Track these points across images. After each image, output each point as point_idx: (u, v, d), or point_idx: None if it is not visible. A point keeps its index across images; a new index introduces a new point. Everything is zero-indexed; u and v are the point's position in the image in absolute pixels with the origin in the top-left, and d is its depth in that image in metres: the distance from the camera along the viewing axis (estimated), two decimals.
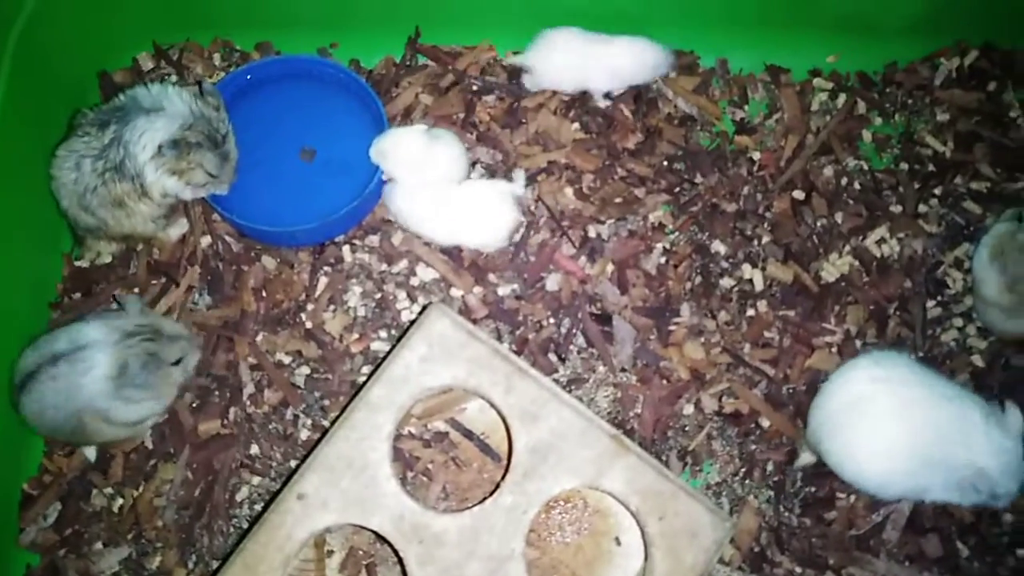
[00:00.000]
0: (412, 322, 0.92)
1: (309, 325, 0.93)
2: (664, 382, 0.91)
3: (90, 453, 0.89)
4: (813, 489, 0.88)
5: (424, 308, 0.91)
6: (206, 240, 0.97)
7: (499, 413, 0.75)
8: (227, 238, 0.97)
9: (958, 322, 0.93)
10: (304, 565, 0.80)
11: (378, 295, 0.94)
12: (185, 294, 0.95)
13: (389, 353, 0.90)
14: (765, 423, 0.89)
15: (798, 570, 0.85)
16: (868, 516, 0.86)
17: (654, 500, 0.72)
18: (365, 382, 0.89)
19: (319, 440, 0.77)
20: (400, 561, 0.71)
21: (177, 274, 0.95)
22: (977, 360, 0.91)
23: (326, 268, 0.95)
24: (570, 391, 0.90)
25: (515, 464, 0.73)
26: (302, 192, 0.96)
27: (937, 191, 0.98)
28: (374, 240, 0.96)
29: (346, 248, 0.96)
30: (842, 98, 1.02)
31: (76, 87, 1.01)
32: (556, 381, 0.90)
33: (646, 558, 0.72)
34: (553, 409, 0.74)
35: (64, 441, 0.88)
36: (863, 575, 0.85)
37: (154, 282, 0.95)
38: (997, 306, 0.87)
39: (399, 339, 0.90)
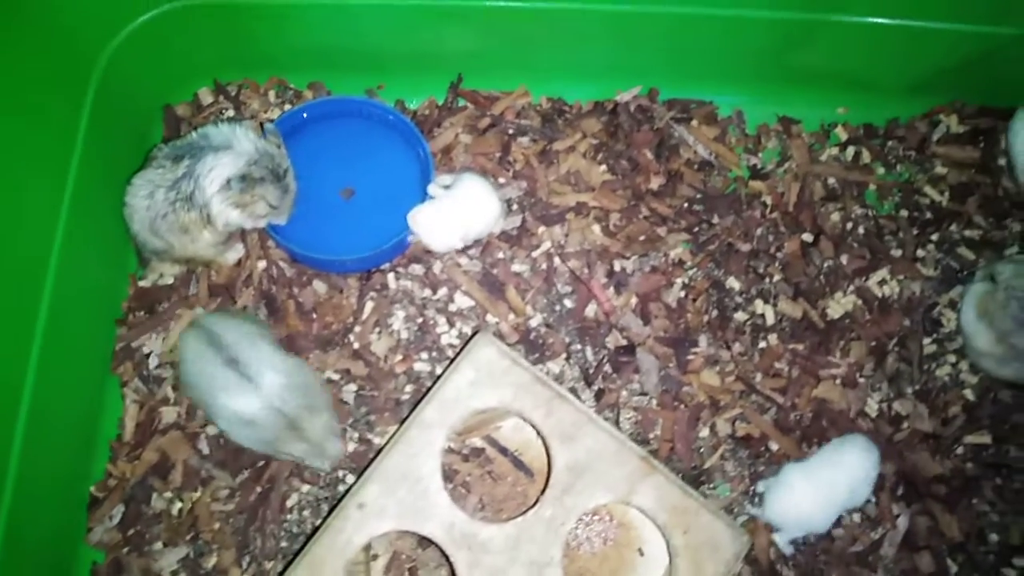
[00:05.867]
0: (454, 347, 1.01)
1: (356, 346, 1.01)
2: (682, 407, 0.99)
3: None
4: None
5: (471, 335, 0.99)
6: (261, 264, 1.04)
7: (539, 434, 0.82)
8: (281, 264, 1.05)
9: (951, 358, 1.02)
10: (353, 568, 0.87)
11: (420, 319, 1.02)
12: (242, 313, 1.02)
13: (434, 374, 0.99)
14: (774, 446, 0.98)
15: None
16: (867, 533, 0.95)
17: (680, 515, 0.80)
18: (410, 399, 0.98)
19: (375, 454, 0.84)
20: (450, 565, 0.79)
21: (234, 295, 1.03)
22: (969, 394, 1.00)
23: (372, 293, 1.03)
24: (597, 415, 0.98)
25: (554, 481, 0.80)
26: (351, 223, 1.04)
27: (934, 237, 1.07)
28: (417, 269, 1.04)
29: (391, 275, 1.04)
30: (849, 149, 1.11)
31: (143, 118, 1.09)
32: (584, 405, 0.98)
33: (671, 568, 0.80)
34: (589, 431, 0.82)
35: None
36: None
37: (213, 302, 1.03)
38: (990, 356, 0.96)
39: (443, 362, 0.99)
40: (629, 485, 0.80)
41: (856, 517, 0.95)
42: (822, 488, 0.90)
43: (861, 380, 1.00)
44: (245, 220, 0.97)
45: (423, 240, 1.01)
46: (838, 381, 1.00)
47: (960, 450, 0.97)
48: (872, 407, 0.99)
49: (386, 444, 0.82)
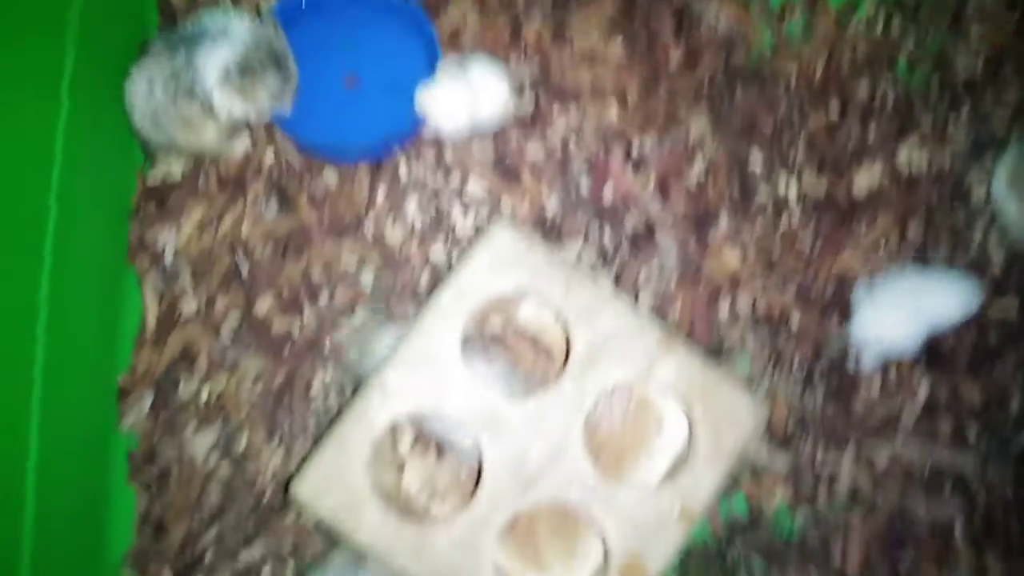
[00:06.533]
0: (469, 234, 0.99)
1: (371, 235, 1.00)
2: (702, 286, 0.98)
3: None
4: (837, 379, 0.96)
5: (485, 222, 0.98)
6: (270, 156, 1.02)
7: (559, 313, 0.82)
8: (290, 155, 1.03)
9: (978, 234, 0.99)
10: (380, 446, 0.89)
11: (433, 207, 1.01)
12: (253, 206, 1.01)
13: (451, 262, 0.98)
14: (795, 322, 0.97)
15: (821, 448, 0.94)
16: (887, 401, 0.95)
17: (700, 389, 0.80)
18: (427, 286, 0.98)
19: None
20: (473, 442, 0.80)
21: (244, 187, 1.01)
22: (995, 269, 0.98)
23: (384, 182, 1.01)
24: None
25: (574, 358, 0.81)
26: (358, 110, 1.01)
27: (966, 108, 1.02)
28: (428, 156, 1.02)
29: (402, 163, 1.02)
30: (878, 20, 1.05)
31: (138, 8, 1.05)
32: None
33: (690, 439, 0.81)
34: (608, 309, 0.82)
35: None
36: (880, 451, 0.94)
37: (223, 195, 1.02)
38: (1019, 227, 0.93)
39: (458, 249, 0.98)
40: (648, 360, 0.81)
41: (876, 387, 0.95)
42: (917, 309, 0.91)
43: (885, 254, 0.98)
44: (248, 109, 0.95)
45: (432, 123, 0.98)
46: (860, 255, 0.98)
47: (984, 320, 0.96)
48: None
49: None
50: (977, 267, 0.98)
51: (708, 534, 0.93)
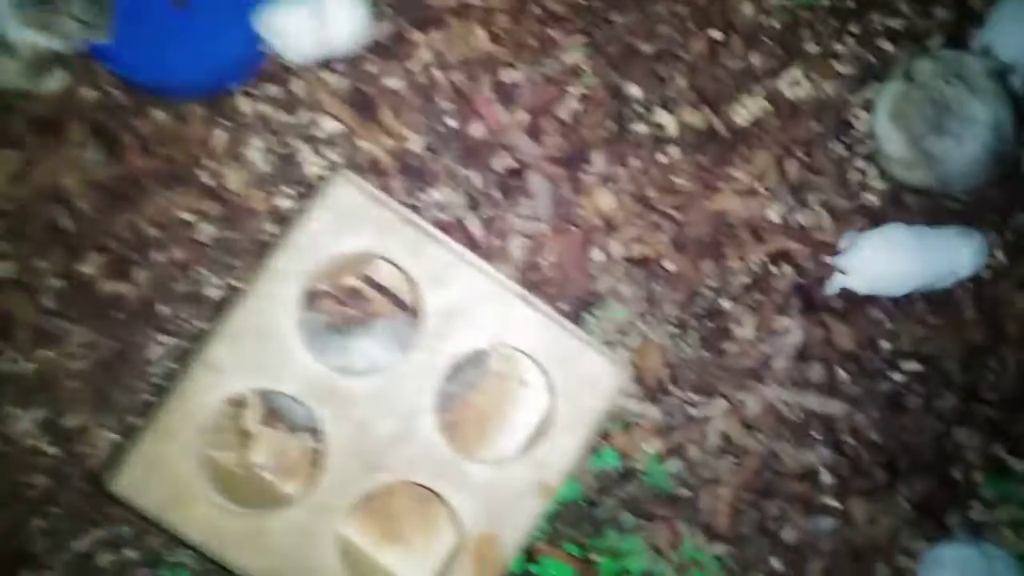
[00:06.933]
0: (323, 179, 0.90)
1: (209, 182, 0.90)
2: (576, 230, 0.92)
3: None
4: (712, 324, 0.93)
5: (341, 165, 0.89)
6: (90, 93, 0.90)
7: (408, 278, 0.75)
8: (113, 91, 0.90)
9: (860, 163, 0.95)
10: (220, 422, 0.83)
11: (280, 149, 0.91)
12: (75, 152, 0.89)
13: (302, 211, 0.89)
14: (670, 266, 0.93)
15: (693, 398, 0.92)
16: (760, 347, 0.93)
17: (558, 353, 0.76)
18: (275, 241, 0.89)
19: (226, 306, 0.77)
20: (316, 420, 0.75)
21: (61, 130, 0.89)
22: (875, 200, 0.95)
23: (222, 121, 0.90)
24: (486, 243, 0.91)
25: (424, 327, 0.74)
26: (188, 36, 0.88)
27: (855, 29, 0.96)
28: (273, 89, 0.91)
29: (242, 98, 0.90)
30: None
31: None
32: (471, 234, 0.91)
33: (550, 406, 0.77)
34: (461, 272, 0.75)
35: None
36: (752, 400, 0.93)
37: (35, 139, 0.89)
38: (899, 162, 0.89)
39: (310, 196, 0.89)
40: (505, 325, 0.75)
41: (749, 333, 0.93)
42: (919, 259, 0.89)
43: (763, 191, 0.93)
44: (53, 41, 0.82)
45: (276, 50, 0.87)
46: (738, 192, 0.93)
47: None
48: (774, 218, 0.94)
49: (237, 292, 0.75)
50: (857, 205, 0.94)
51: (578, 490, 0.91)
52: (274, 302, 0.73)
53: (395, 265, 0.75)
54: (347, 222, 0.74)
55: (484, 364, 0.85)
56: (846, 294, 0.93)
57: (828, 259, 0.92)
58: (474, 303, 0.75)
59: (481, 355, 0.83)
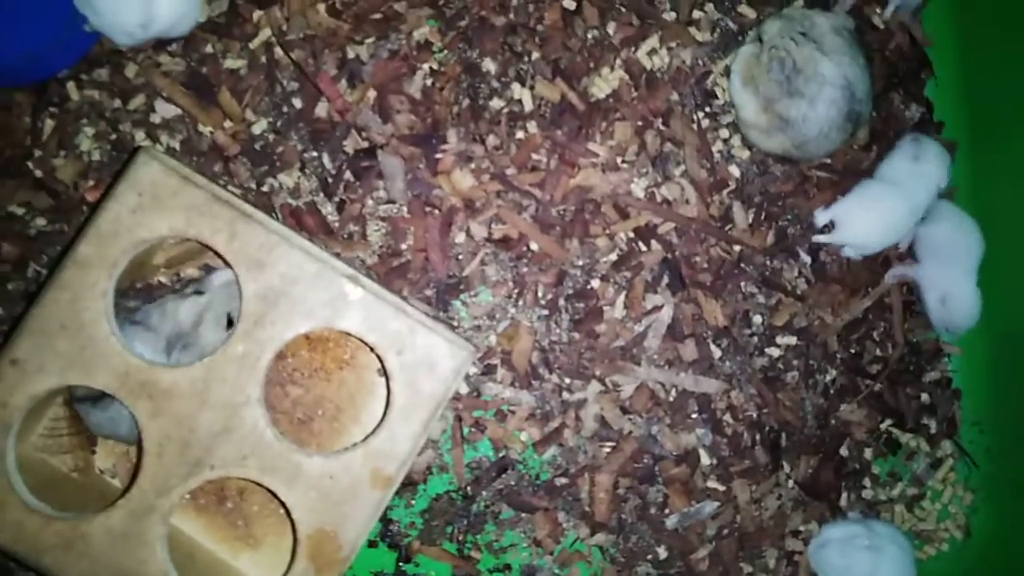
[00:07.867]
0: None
1: (38, 173, 0.84)
2: (435, 212, 0.89)
3: None
4: (582, 305, 0.90)
5: (178, 151, 0.84)
6: None
7: (224, 262, 0.71)
8: None
9: (724, 132, 0.93)
10: (55, 425, 0.78)
11: (113, 136, 0.85)
12: None
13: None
14: (535, 246, 0.89)
15: (566, 382, 0.89)
16: (631, 327, 0.90)
17: (392, 336, 0.72)
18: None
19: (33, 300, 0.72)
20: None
21: None
22: (736, 171, 0.92)
23: (51, 108, 0.85)
24: (342, 229, 0.87)
25: (244, 312, 0.70)
26: (5, 19, 0.83)
27: None
28: (103, 74, 0.86)
29: (71, 85, 0.85)
30: None
31: None
32: (325, 219, 0.87)
33: (388, 392, 0.73)
34: (283, 253, 0.71)
35: None
36: (626, 381, 0.89)
37: None
38: (755, 127, 0.87)
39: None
40: (333, 309, 0.71)
41: (619, 312, 0.90)
42: (901, 196, 0.89)
43: (624, 165, 0.90)
44: None
45: (102, 30, 0.82)
46: (599, 168, 0.90)
47: (730, 232, 0.91)
48: (638, 192, 0.91)
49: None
50: (716, 178, 0.91)
51: (451, 483, 0.87)
52: (81, 292, 0.68)
53: (209, 248, 0.70)
54: (153, 204, 0.69)
55: (315, 351, 0.80)
56: (719, 267, 0.90)
57: (818, 238, 0.92)
58: (298, 286, 0.70)
59: (310, 341, 0.78)
